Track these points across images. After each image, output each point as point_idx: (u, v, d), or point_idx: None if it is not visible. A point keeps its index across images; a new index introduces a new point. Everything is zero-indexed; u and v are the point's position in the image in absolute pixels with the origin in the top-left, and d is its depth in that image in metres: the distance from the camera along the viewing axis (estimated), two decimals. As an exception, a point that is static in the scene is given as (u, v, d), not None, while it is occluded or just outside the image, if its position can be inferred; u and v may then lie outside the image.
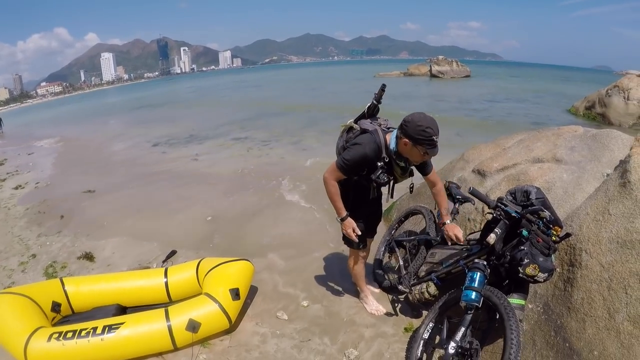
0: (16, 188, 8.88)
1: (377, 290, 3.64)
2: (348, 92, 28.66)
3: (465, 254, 2.68)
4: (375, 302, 3.47)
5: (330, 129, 11.98)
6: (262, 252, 4.68)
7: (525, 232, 2.20)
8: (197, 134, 14.71)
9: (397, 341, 3.09)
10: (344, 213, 2.86)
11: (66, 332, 2.82)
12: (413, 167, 2.81)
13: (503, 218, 2.30)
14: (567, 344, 2.24)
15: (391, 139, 2.63)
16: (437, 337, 2.67)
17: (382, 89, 2.81)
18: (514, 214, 2.25)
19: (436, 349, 2.64)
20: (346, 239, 3.11)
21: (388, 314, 3.39)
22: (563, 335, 2.29)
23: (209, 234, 5.49)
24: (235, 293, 3.21)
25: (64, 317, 3.43)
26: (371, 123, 2.78)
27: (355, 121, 2.88)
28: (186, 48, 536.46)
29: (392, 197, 3.05)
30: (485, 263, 2.41)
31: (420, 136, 2.40)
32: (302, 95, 29.35)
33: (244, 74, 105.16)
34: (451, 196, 3.11)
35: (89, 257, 4.92)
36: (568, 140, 3.39)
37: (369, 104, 2.87)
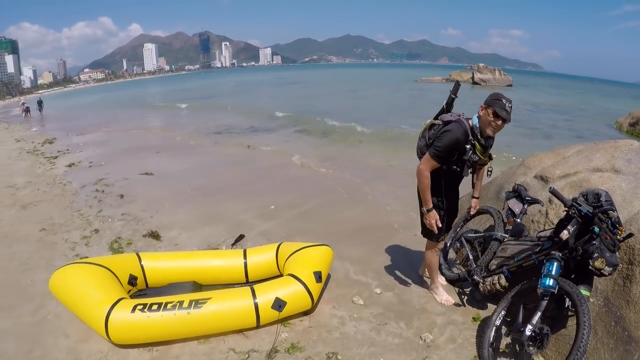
0: (69, 166, 9.01)
1: (444, 283, 3.79)
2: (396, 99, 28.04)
3: (538, 249, 2.87)
4: (445, 293, 3.62)
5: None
6: (330, 241, 4.62)
7: (596, 229, 2.41)
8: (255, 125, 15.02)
9: (467, 329, 3.20)
10: (431, 205, 3.10)
11: (151, 305, 2.77)
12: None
13: (576, 216, 2.51)
14: (626, 333, 2.50)
15: (474, 119, 2.98)
16: (504, 327, 2.95)
17: (458, 84, 3.20)
18: (587, 213, 2.46)
19: (511, 333, 2.81)
20: (426, 231, 3.33)
21: (456, 305, 3.53)
22: (622, 325, 2.53)
23: (273, 220, 5.50)
24: (318, 276, 3.21)
25: (140, 290, 3.41)
26: (451, 115, 3.06)
27: (435, 117, 3.18)
28: (227, 43, 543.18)
29: (489, 175, 3.33)
30: (561, 255, 2.61)
31: (493, 98, 2.83)
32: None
33: (283, 71, 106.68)
34: (520, 197, 3.39)
35: (154, 235, 4.92)
36: (625, 153, 3.57)
37: (446, 100, 3.17)
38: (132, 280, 3.31)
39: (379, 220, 5.58)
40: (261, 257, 3.62)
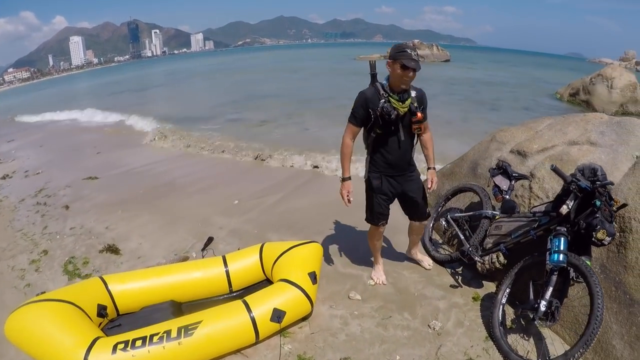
0: (3, 178, 7.81)
1: (431, 264, 3.65)
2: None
3: (535, 224, 2.84)
4: (383, 274, 3.49)
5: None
6: (308, 234, 4.33)
7: (598, 202, 2.43)
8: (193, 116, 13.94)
9: (470, 310, 3.10)
10: (347, 174, 3.02)
11: (134, 340, 2.33)
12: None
13: (576, 191, 2.51)
14: (627, 296, 2.54)
15: (384, 78, 2.87)
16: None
17: (371, 62, 2.99)
18: (586, 187, 2.47)
19: (523, 310, 2.75)
20: (366, 215, 3.23)
21: (453, 286, 3.39)
22: (623, 289, 2.57)
23: (240, 217, 5.05)
24: (313, 277, 2.90)
25: (111, 320, 2.91)
26: None
27: None
28: (157, 31, 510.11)
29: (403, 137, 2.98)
30: (565, 230, 2.59)
31: (397, 52, 2.70)
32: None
33: (218, 56, 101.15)
34: (506, 173, 3.31)
35: (113, 249, 4.31)
36: (597, 126, 3.58)
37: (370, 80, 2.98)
38: (102, 311, 2.78)
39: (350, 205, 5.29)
40: (244, 263, 3.22)
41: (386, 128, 2.85)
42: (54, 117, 16.95)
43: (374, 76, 2.91)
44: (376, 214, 3.14)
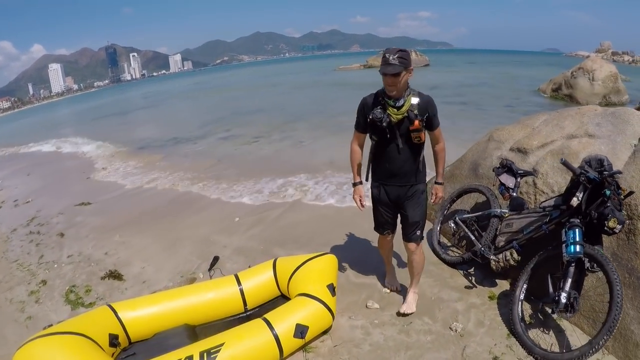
0: None
1: (408, 311, 3.09)
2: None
3: (547, 219, 2.86)
4: (396, 280, 3.44)
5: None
6: (314, 246, 4.27)
7: (607, 192, 2.46)
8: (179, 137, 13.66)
9: (488, 309, 3.09)
10: (357, 179, 2.99)
11: (155, 370, 2.21)
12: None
13: (585, 182, 2.53)
14: None
15: None
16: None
17: None
18: (595, 178, 2.49)
19: (545, 304, 2.81)
20: (374, 224, 3.12)
21: (467, 287, 3.38)
22: (636, 275, 2.59)
23: (243, 234, 4.94)
24: (332, 289, 2.85)
25: (124, 349, 2.78)
26: None
27: None
28: (135, 54, 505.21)
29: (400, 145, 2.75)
30: (579, 221, 2.60)
31: (381, 60, 2.57)
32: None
33: (197, 76, 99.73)
34: (511, 171, 3.30)
35: (115, 275, 4.15)
36: (592, 118, 3.60)
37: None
38: (114, 341, 2.66)
39: (356, 214, 5.20)
40: (258, 280, 3.13)
41: (381, 135, 2.73)
42: (39, 145, 16.52)
43: None
44: (379, 223, 3.06)
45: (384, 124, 2.64)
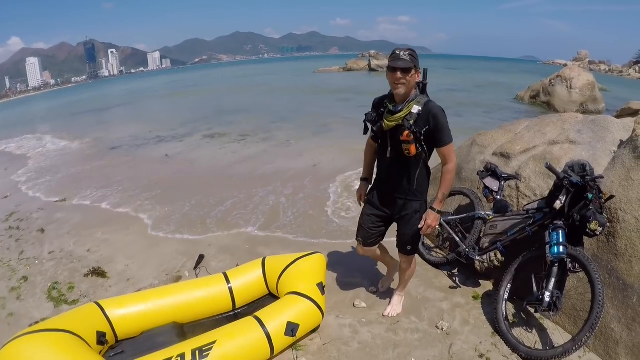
0: None
1: (392, 314, 3.08)
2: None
3: (530, 221, 2.91)
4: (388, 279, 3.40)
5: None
6: (303, 245, 4.30)
7: (590, 196, 2.52)
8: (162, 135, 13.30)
9: (473, 308, 3.16)
10: (363, 175, 2.94)
11: (146, 369, 2.16)
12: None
13: (568, 186, 2.60)
14: (620, 282, 2.64)
15: None
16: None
17: (425, 70, 2.60)
18: (578, 182, 2.57)
19: (529, 304, 2.83)
20: (357, 231, 2.98)
21: (452, 287, 3.43)
22: (616, 275, 2.67)
23: (227, 232, 4.89)
24: (321, 287, 2.85)
25: (112, 347, 2.71)
26: None
27: None
28: (114, 50, 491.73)
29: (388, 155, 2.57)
30: (563, 223, 2.66)
31: (390, 56, 2.44)
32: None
33: (176, 74, 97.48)
34: (495, 175, 3.35)
35: (99, 272, 4.03)
36: (573, 125, 3.67)
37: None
38: (101, 338, 2.57)
39: (338, 215, 5.25)
40: (247, 278, 3.09)
41: (376, 139, 2.62)
42: (17, 140, 15.89)
43: (424, 86, 2.55)
44: (359, 226, 2.88)
45: (375, 128, 2.53)
